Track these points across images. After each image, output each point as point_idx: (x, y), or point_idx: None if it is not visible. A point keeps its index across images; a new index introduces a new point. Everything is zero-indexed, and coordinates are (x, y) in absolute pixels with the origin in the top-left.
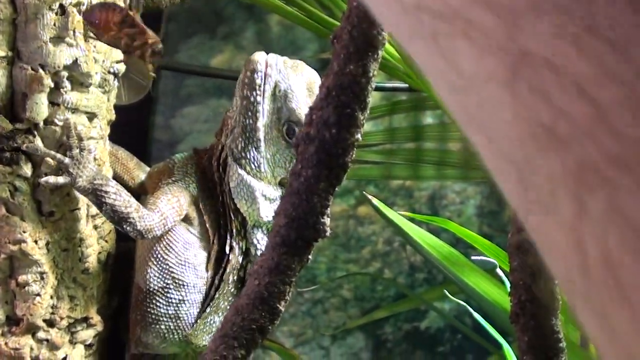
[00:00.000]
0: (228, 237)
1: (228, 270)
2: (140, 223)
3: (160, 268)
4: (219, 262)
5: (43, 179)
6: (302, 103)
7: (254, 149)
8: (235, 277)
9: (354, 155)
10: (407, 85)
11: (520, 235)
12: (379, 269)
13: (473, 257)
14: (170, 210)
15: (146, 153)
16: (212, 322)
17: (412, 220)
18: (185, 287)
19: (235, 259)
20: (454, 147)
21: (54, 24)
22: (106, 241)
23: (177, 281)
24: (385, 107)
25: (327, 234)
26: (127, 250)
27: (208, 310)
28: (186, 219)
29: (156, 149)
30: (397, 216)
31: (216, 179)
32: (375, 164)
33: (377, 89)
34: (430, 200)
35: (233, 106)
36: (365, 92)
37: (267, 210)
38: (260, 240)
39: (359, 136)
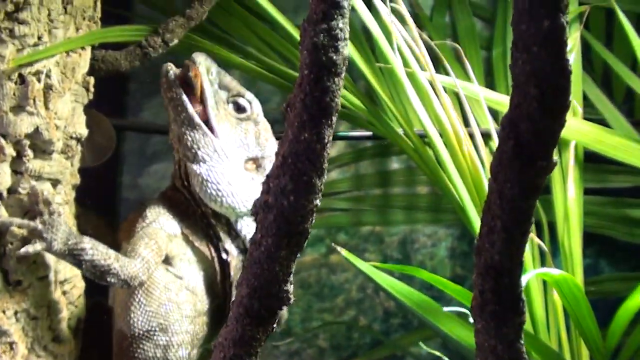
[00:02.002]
0: (220, 243)
1: (233, 273)
2: (123, 272)
3: (144, 311)
4: (223, 271)
5: (22, 250)
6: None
7: (201, 135)
8: None
9: (313, 221)
10: (371, 132)
11: (483, 297)
12: (354, 317)
13: (445, 309)
14: (150, 253)
15: (115, 213)
16: None
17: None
18: (171, 327)
19: (236, 259)
20: (422, 190)
21: (14, 94)
22: (75, 306)
23: (162, 323)
24: (350, 154)
25: (291, 302)
26: (97, 303)
27: None
28: (165, 260)
29: (125, 208)
30: (367, 267)
31: (186, 195)
32: (344, 211)
33: (341, 137)
34: (402, 244)
35: (170, 131)
36: (321, 159)
37: (242, 197)
38: (249, 234)
39: (317, 202)
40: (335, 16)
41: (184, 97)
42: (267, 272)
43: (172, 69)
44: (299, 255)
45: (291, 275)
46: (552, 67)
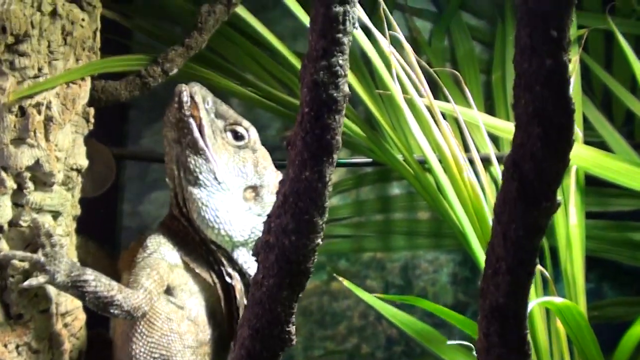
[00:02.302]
0: (221, 269)
1: (238, 296)
2: (127, 303)
3: (146, 343)
4: (227, 299)
5: (26, 283)
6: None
7: (202, 160)
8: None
9: (315, 261)
10: (371, 159)
11: (488, 340)
12: (356, 345)
13: (449, 342)
14: (152, 284)
15: (116, 241)
16: None
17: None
18: (173, 358)
19: (239, 284)
20: (423, 216)
21: (14, 126)
22: (77, 338)
23: (164, 354)
24: (351, 181)
25: (294, 342)
26: (98, 335)
27: None
28: (166, 290)
29: (125, 236)
30: (370, 297)
31: (184, 223)
32: (345, 237)
33: (342, 164)
34: (403, 270)
35: (166, 154)
36: (323, 198)
37: (239, 227)
38: (249, 260)
39: (319, 241)
40: (335, 53)
41: (192, 121)
42: (269, 312)
43: (186, 90)
44: (300, 295)
45: (293, 316)
46: (555, 106)
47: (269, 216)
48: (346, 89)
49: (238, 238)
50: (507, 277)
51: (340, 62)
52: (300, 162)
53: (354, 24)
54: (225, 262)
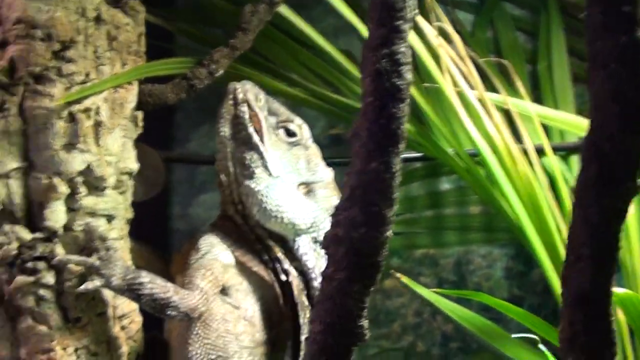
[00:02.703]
0: (277, 265)
1: (296, 293)
2: (183, 304)
3: (202, 344)
4: (285, 293)
5: (82, 287)
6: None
7: (257, 155)
8: (305, 300)
9: (385, 253)
10: (421, 154)
11: (572, 329)
12: (411, 342)
13: (514, 336)
14: (207, 284)
15: (166, 244)
16: None
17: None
18: (230, 359)
19: (296, 280)
20: (475, 210)
21: (64, 132)
22: (135, 341)
23: (221, 355)
24: (401, 176)
25: (367, 337)
26: (153, 337)
27: (303, 339)
28: (221, 290)
29: (176, 239)
30: (427, 292)
31: (239, 221)
32: (397, 234)
33: None
34: (457, 266)
35: (219, 152)
36: (391, 189)
37: (300, 214)
38: (309, 251)
39: (388, 234)
40: (396, 40)
41: (247, 117)
42: (340, 307)
43: (239, 87)
44: (372, 289)
45: (365, 310)
46: (631, 83)
47: (336, 209)
48: (409, 76)
49: (301, 225)
50: (590, 262)
51: (402, 49)
52: (365, 153)
53: (413, 10)
54: (281, 259)
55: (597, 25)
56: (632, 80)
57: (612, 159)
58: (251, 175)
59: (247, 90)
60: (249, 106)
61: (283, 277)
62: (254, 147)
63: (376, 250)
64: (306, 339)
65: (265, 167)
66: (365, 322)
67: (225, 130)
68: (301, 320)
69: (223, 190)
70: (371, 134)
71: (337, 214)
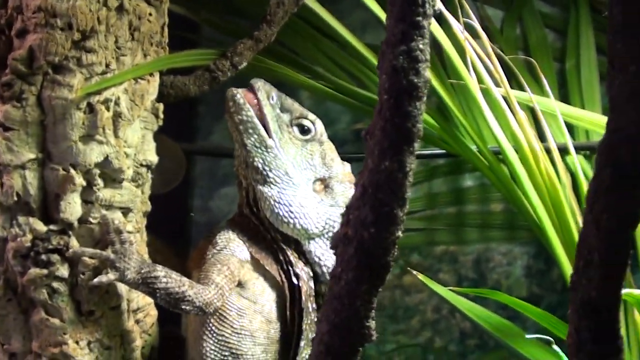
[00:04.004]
0: (289, 269)
1: (304, 298)
2: (198, 299)
3: (216, 340)
4: (293, 297)
5: (96, 280)
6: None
7: (272, 158)
8: (314, 305)
9: (395, 254)
10: (444, 150)
11: (579, 336)
12: (429, 338)
13: (528, 336)
14: (223, 279)
15: (187, 236)
16: (306, 356)
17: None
18: (244, 356)
19: (306, 285)
20: (496, 208)
21: (83, 123)
22: (149, 334)
23: (234, 352)
24: (423, 173)
25: (374, 338)
26: (170, 332)
27: (302, 344)
28: (237, 285)
29: (196, 232)
30: (444, 289)
31: (255, 222)
32: (418, 230)
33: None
34: (476, 263)
35: (236, 157)
36: (403, 189)
37: (313, 219)
38: (323, 255)
39: (399, 234)
40: (415, 37)
41: (256, 120)
42: (348, 307)
43: (239, 92)
44: (380, 289)
45: (373, 311)
46: None
47: (347, 208)
48: (427, 74)
49: (314, 230)
50: (600, 269)
51: (421, 46)
52: (379, 151)
53: (433, 6)
54: (293, 262)
55: (617, 26)
56: None
57: (628, 162)
58: (264, 180)
59: (259, 89)
60: (259, 106)
61: (294, 281)
62: (268, 149)
63: (386, 251)
64: (313, 338)
65: (280, 168)
66: (372, 323)
67: (236, 135)
68: (303, 326)
69: (241, 191)
70: (385, 133)
71: (348, 213)
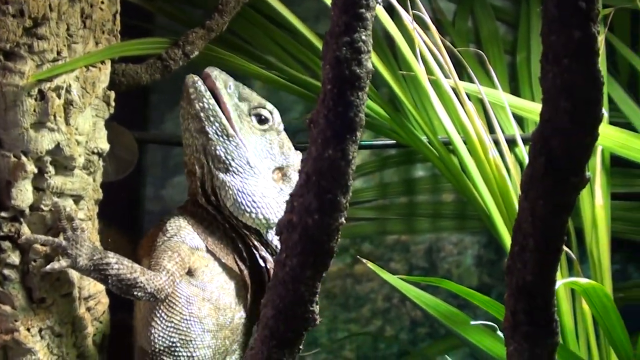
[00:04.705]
0: (255, 253)
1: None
2: (150, 285)
3: (165, 327)
4: (259, 282)
5: (48, 267)
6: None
7: (234, 147)
8: None
9: (338, 240)
10: (395, 141)
11: (515, 319)
12: (380, 327)
13: (472, 322)
14: (174, 266)
15: (139, 225)
16: None
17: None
18: (193, 342)
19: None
20: (447, 198)
21: (34, 110)
22: (100, 322)
23: (183, 338)
24: (374, 163)
25: (317, 322)
26: (121, 320)
27: None
28: (187, 272)
29: (148, 221)
30: (394, 278)
31: (212, 212)
32: (369, 220)
33: (365, 146)
34: (428, 253)
35: (186, 147)
36: (346, 176)
37: (274, 208)
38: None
39: (342, 220)
40: (358, 28)
41: (217, 107)
42: (292, 292)
43: (200, 79)
44: (324, 275)
45: (317, 296)
46: (583, 79)
47: (291, 195)
48: (369, 65)
49: (274, 220)
50: (534, 254)
51: (363, 37)
52: (322, 140)
53: None
54: (258, 246)
55: (551, 19)
56: (584, 76)
57: (560, 152)
58: (227, 169)
59: (216, 77)
60: (215, 96)
61: (261, 263)
62: (230, 138)
63: (329, 237)
64: (257, 323)
65: (241, 157)
66: (316, 307)
67: (193, 124)
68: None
69: (194, 180)
70: (328, 122)
71: (292, 200)
